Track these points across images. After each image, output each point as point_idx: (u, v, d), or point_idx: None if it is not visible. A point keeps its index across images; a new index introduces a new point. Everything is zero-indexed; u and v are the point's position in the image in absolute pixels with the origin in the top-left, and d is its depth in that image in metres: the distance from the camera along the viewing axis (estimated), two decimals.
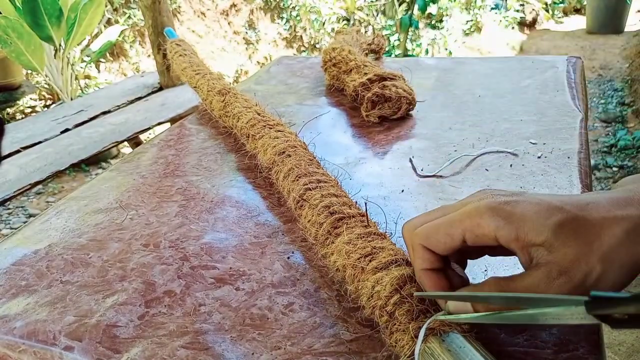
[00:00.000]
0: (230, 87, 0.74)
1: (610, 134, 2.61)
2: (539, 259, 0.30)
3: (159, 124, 1.98)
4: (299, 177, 0.48)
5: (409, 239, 0.35)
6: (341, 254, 0.38)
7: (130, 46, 3.57)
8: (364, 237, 0.39)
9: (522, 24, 4.84)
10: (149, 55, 3.56)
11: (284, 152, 0.53)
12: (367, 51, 0.97)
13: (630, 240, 0.29)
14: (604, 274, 0.29)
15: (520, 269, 0.31)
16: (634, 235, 0.29)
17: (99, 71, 3.36)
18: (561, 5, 5.15)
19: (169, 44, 0.92)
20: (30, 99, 3.09)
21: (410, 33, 3.67)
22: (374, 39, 1.01)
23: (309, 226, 0.44)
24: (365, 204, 0.43)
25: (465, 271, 0.36)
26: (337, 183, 0.48)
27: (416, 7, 2.75)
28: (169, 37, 0.95)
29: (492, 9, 4.62)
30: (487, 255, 0.38)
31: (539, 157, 0.57)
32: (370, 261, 0.36)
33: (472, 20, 4.37)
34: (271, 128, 0.60)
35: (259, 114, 0.63)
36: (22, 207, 2.27)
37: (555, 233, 0.29)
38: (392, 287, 0.33)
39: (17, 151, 1.73)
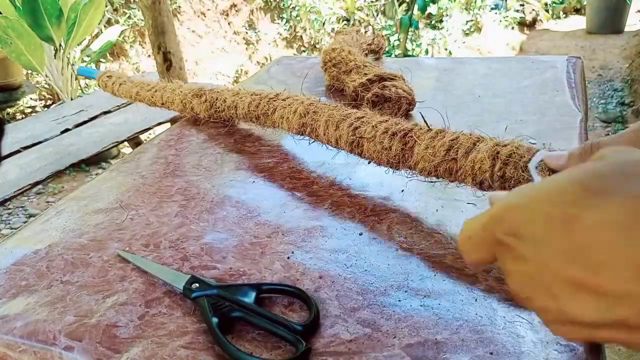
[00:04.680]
0: (201, 87, 0.73)
1: (610, 134, 2.61)
2: None
3: (159, 124, 1.98)
4: (340, 123, 0.52)
5: None
6: (426, 160, 0.44)
7: (131, 46, 3.57)
8: (435, 137, 0.44)
9: (522, 24, 4.84)
10: (149, 55, 3.56)
11: (307, 113, 0.55)
12: (367, 51, 0.97)
13: None
14: None
15: None
16: None
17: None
18: (561, 5, 5.15)
19: (99, 81, 0.89)
20: (31, 99, 3.09)
21: (410, 33, 3.67)
22: (373, 39, 1.01)
23: (375, 156, 0.49)
24: (421, 113, 0.49)
25: None
26: (375, 113, 0.52)
27: (416, 7, 2.75)
28: (88, 76, 0.93)
29: (492, 9, 4.61)
30: None
31: None
32: (457, 151, 0.42)
33: (472, 21, 4.37)
34: (276, 100, 0.61)
35: (255, 94, 0.64)
36: (22, 207, 2.27)
37: None
38: (490, 158, 0.39)
39: (17, 151, 1.73)
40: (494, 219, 0.25)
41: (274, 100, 0.61)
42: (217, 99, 0.69)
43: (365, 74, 0.75)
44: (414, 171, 0.47)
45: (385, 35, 3.68)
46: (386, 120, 0.49)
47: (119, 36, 3.22)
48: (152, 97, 0.79)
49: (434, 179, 0.45)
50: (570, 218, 0.22)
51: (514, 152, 0.39)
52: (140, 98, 0.82)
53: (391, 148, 0.47)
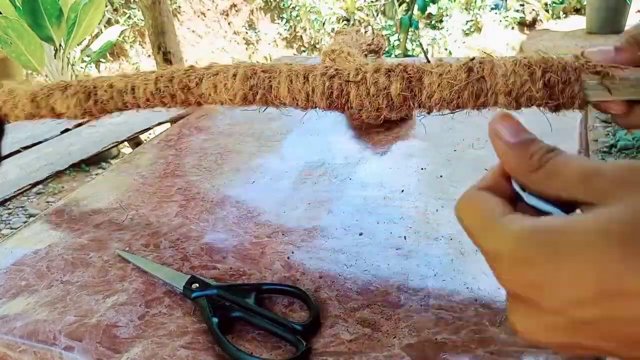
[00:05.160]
0: (62, 80, 0.55)
1: (610, 134, 2.61)
2: None
3: (159, 124, 1.98)
4: (309, 75, 0.42)
5: None
6: (444, 87, 0.39)
7: (131, 46, 3.57)
8: (443, 65, 0.39)
9: (522, 24, 4.84)
10: (149, 55, 3.57)
11: (255, 73, 0.43)
12: (366, 52, 0.97)
13: None
14: None
15: None
16: None
17: (99, 71, 3.36)
18: (561, 5, 5.15)
19: None
20: None
21: (410, 33, 3.67)
22: (373, 39, 1.01)
23: (369, 102, 0.41)
24: (420, 42, 0.43)
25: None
26: (349, 60, 0.46)
27: (416, 7, 2.75)
28: None
29: (492, 9, 4.62)
30: None
31: None
32: (482, 69, 0.37)
33: (472, 21, 4.38)
34: (194, 71, 0.47)
35: (158, 71, 0.50)
36: (22, 207, 2.28)
37: None
38: (525, 67, 0.37)
39: (17, 151, 1.72)
40: (510, 267, 0.23)
41: (192, 72, 0.47)
42: (95, 87, 0.52)
43: None
44: (423, 108, 0.41)
45: (385, 35, 3.67)
46: (367, 63, 0.42)
47: (119, 36, 3.22)
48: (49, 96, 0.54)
49: (447, 111, 0.40)
50: (611, 292, 0.19)
51: (550, 58, 0.36)
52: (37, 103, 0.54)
53: (390, 86, 0.40)
